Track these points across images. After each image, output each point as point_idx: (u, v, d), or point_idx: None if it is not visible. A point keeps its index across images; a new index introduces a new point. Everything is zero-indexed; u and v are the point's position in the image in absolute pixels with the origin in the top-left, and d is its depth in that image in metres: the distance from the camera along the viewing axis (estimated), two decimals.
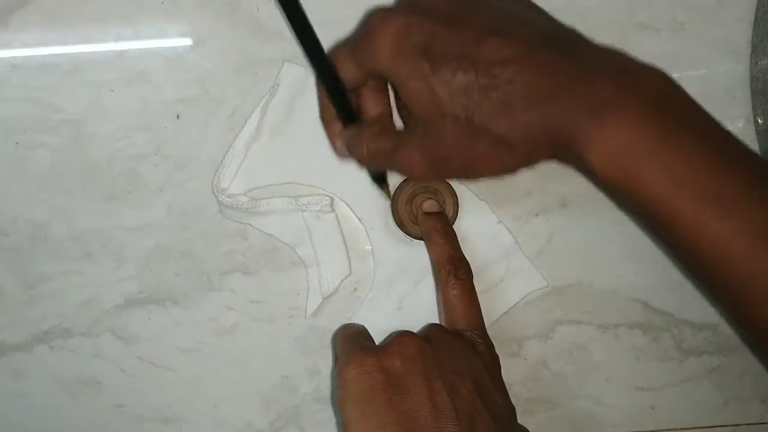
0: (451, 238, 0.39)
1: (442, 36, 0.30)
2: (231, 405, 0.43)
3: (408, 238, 0.41)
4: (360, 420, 0.32)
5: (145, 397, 0.43)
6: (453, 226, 0.40)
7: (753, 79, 0.40)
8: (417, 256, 0.41)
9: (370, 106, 0.35)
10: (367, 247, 0.41)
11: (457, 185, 0.41)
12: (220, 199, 0.40)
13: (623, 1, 0.40)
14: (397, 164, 0.33)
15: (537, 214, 0.42)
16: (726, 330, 0.43)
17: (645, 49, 0.40)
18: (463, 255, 0.39)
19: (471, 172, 0.32)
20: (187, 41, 0.39)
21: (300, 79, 0.40)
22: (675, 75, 0.39)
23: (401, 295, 0.42)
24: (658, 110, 0.28)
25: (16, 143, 0.40)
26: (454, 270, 0.38)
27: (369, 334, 0.39)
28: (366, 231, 0.41)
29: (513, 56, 0.29)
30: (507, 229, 0.41)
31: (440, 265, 0.38)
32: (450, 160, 0.31)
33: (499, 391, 0.35)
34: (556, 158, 0.31)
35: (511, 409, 0.36)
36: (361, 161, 0.35)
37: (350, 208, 0.41)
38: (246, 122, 0.40)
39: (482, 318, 0.38)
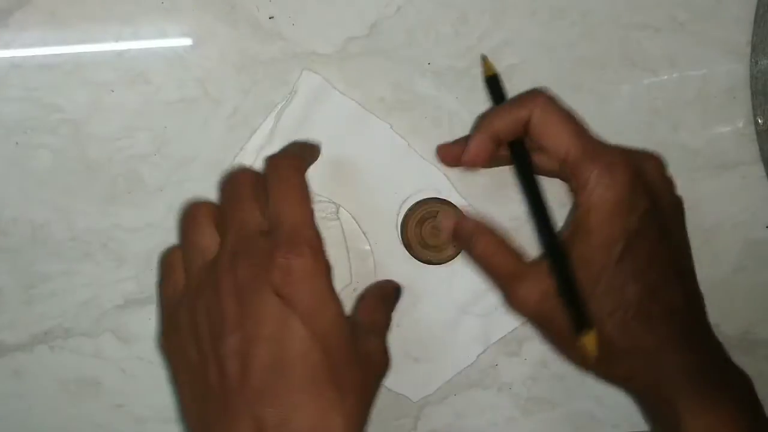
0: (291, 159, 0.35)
1: (650, 242, 0.32)
2: None
3: (412, 260, 0.41)
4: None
5: (145, 397, 0.43)
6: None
7: (753, 79, 0.40)
8: (419, 275, 0.41)
9: (539, 164, 0.36)
10: (366, 248, 0.41)
11: (459, 200, 0.41)
12: None
13: (623, 1, 0.40)
14: (506, 289, 0.34)
15: None
16: (726, 330, 0.43)
17: (645, 49, 0.40)
18: (295, 152, 0.35)
19: (557, 345, 0.35)
20: (187, 41, 0.39)
21: (317, 88, 0.40)
22: (675, 75, 0.40)
23: (400, 314, 0.41)
24: (746, 407, 0.32)
25: (16, 143, 0.40)
26: (271, 160, 0.34)
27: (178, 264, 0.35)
28: (365, 236, 0.41)
29: (681, 304, 0.33)
30: None
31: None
32: (553, 323, 0.33)
33: (302, 313, 0.29)
34: (633, 393, 0.34)
35: (326, 322, 0.30)
36: (468, 251, 0.36)
37: (355, 221, 0.41)
38: (259, 126, 0.40)
39: (303, 207, 0.32)
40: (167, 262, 0.35)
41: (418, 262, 0.41)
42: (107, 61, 0.39)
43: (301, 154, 0.35)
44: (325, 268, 0.30)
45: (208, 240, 0.33)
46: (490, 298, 0.42)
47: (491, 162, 0.36)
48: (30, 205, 0.41)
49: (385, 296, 0.38)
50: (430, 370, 0.42)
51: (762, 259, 0.43)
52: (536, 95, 0.34)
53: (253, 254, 0.30)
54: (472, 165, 0.35)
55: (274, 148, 0.40)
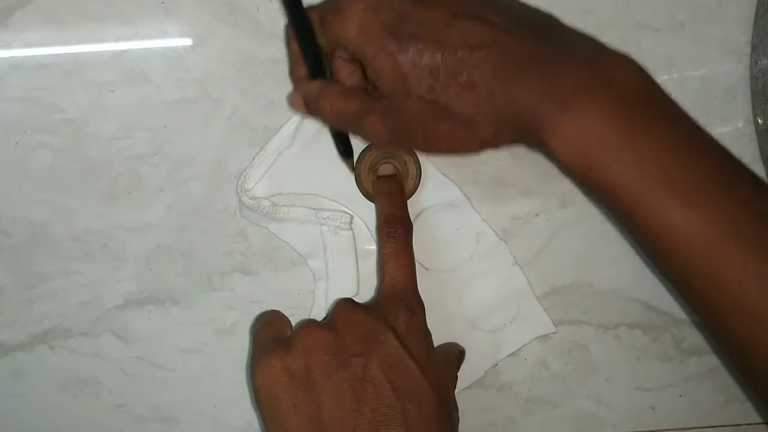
0: (396, 198, 0.39)
1: (411, 16, 0.30)
2: (231, 405, 0.43)
3: (420, 266, 0.41)
4: (272, 428, 0.33)
5: (145, 397, 0.43)
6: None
7: (753, 79, 0.40)
8: (429, 285, 0.41)
9: (344, 76, 0.35)
10: (368, 248, 0.41)
11: (476, 222, 0.41)
12: (242, 199, 0.40)
13: (623, 1, 0.40)
14: (361, 129, 0.33)
15: (537, 214, 0.42)
16: None
17: (645, 49, 0.40)
18: (405, 214, 0.38)
19: (433, 148, 0.32)
20: (187, 41, 0.39)
21: None
22: (675, 75, 0.40)
23: None
24: (626, 99, 0.28)
25: (16, 143, 0.40)
26: (389, 228, 0.37)
27: (281, 319, 0.38)
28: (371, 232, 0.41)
29: (481, 41, 0.29)
30: (522, 271, 0.41)
31: (379, 225, 0.38)
32: (412, 135, 0.32)
33: (416, 357, 0.33)
34: (522, 142, 0.31)
35: (435, 370, 0.35)
36: (324, 117, 0.35)
37: (369, 230, 0.41)
38: (281, 127, 0.40)
39: (411, 275, 0.37)
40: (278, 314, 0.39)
41: (431, 273, 0.41)
42: (107, 61, 0.39)
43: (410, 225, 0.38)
44: (429, 330, 0.36)
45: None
46: (500, 314, 0.42)
47: None
48: (30, 205, 0.41)
49: (454, 360, 0.39)
50: None
51: None
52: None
53: (375, 309, 0.35)
54: (301, 112, 0.36)
55: (295, 151, 0.40)
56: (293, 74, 0.36)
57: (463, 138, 0.31)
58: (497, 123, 0.30)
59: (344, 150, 0.39)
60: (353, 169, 0.40)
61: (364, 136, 0.34)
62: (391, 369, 0.33)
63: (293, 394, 0.32)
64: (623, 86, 0.28)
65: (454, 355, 0.39)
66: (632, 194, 0.28)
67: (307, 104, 0.35)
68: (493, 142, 0.31)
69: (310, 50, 0.34)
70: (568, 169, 0.29)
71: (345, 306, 0.35)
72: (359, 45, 0.31)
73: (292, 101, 0.36)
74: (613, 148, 0.28)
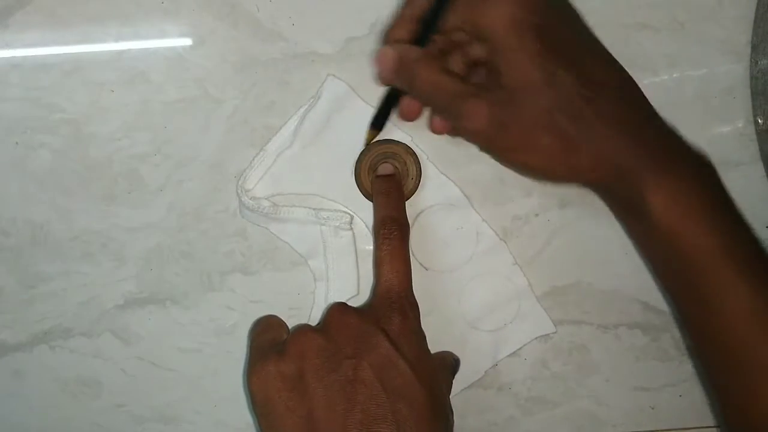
0: (393, 199, 0.39)
1: (560, 31, 0.32)
2: (231, 405, 0.43)
3: (420, 266, 0.41)
4: (266, 430, 0.33)
5: (145, 397, 0.43)
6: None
7: (753, 79, 0.40)
8: (429, 285, 0.41)
9: (451, 59, 0.36)
10: (368, 248, 0.41)
11: (476, 222, 0.41)
12: (242, 199, 0.40)
13: (623, 1, 0.40)
14: (456, 108, 0.33)
15: (537, 214, 0.42)
16: None
17: (645, 49, 0.40)
18: (402, 215, 0.38)
19: (518, 157, 0.34)
20: (187, 41, 0.39)
21: (341, 95, 0.40)
22: (675, 75, 0.40)
23: None
24: (714, 181, 0.33)
25: (16, 143, 0.40)
26: (384, 230, 0.37)
27: (279, 324, 0.38)
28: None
29: (618, 84, 0.33)
30: (521, 271, 0.41)
31: (375, 226, 0.38)
32: (510, 135, 0.33)
33: (408, 357, 0.34)
34: (600, 185, 0.34)
35: (428, 370, 0.35)
36: (415, 83, 0.34)
37: (369, 230, 0.41)
38: (281, 128, 0.40)
39: (405, 278, 0.36)
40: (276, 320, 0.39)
41: (432, 274, 0.41)
42: (107, 61, 0.39)
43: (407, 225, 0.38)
44: (423, 332, 0.36)
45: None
46: (499, 313, 0.42)
47: None
48: (30, 205, 0.41)
49: (448, 366, 0.39)
50: None
51: None
52: None
53: (368, 312, 0.36)
54: (385, 72, 0.35)
55: (294, 151, 0.40)
56: (392, 34, 0.36)
57: (557, 159, 0.33)
58: (598, 158, 0.32)
59: (377, 121, 0.39)
60: (368, 142, 0.40)
61: (456, 115, 0.34)
62: (382, 370, 0.33)
63: (287, 398, 0.33)
64: (710, 170, 0.33)
65: (449, 361, 0.39)
66: (709, 259, 0.32)
67: (401, 65, 0.35)
68: (580, 174, 0.33)
69: (432, 19, 0.34)
70: (657, 224, 0.32)
71: (338, 310, 0.36)
72: (504, 35, 0.32)
73: (380, 56, 0.35)
74: (703, 216, 0.32)
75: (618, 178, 0.32)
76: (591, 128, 0.32)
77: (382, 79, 0.36)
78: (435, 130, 0.38)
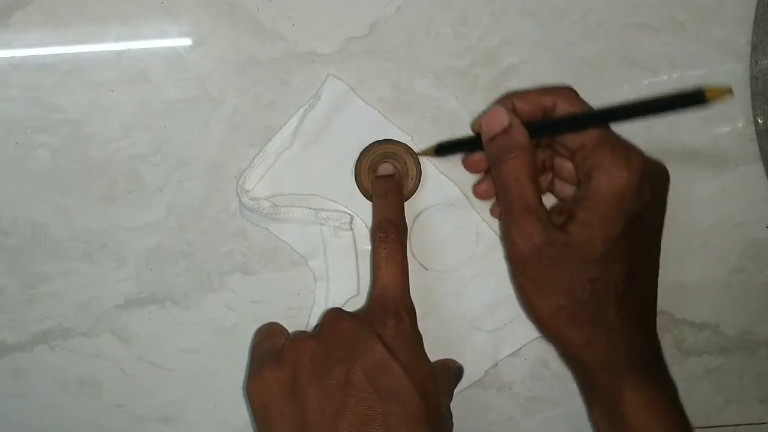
0: (392, 200, 0.39)
1: (643, 233, 0.34)
2: (231, 405, 0.43)
3: (420, 266, 0.41)
4: None
5: (145, 397, 0.43)
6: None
7: (753, 79, 0.40)
8: (429, 285, 0.41)
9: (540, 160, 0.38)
10: (368, 248, 0.41)
11: (476, 222, 0.41)
12: (242, 200, 0.40)
13: (623, 1, 0.40)
14: (515, 214, 0.34)
15: None
16: (726, 330, 0.43)
17: (645, 49, 0.40)
18: (400, 217, 0.38)
19: (534, 293, 0.35)
20: (187, 41, 0.39)
21: (341, 95, 0.40)
22: (675, 75, 0.40)
23: None
24: (676, 393, 0.36)
25: (16, 143, 0.40)
26: (381, 233, 0.37)
27: (279, 332, 0.38)
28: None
29: (650, 292, 0.36)
30: None
31: (373, 229, 0.38)
32: (541, 270, 0.34)
33: (402, 360, 0.34)
34: (583, 365, 0.35)
35: (423, 373, 0.35)
36: (497, 161, 0.35)
37: (369, 230, 0.41)
38: (281, 128, 0.40)
39: (401, 281, 0.36)
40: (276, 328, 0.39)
41: (432, 275, 0.41)
42: (107, 61, 0.39)
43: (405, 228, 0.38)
44: (420, 335, 0.36)
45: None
46: (500, 313, 0.42)
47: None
48: (30, 205, 0.41)
49: (450, 373, 0.40)
50: None
51: (762, 259, 0.43)
52: (562, 87, 0.36)
53: (363, 316, 0.36)
54: (489, 131, 0.35)
55: (294, 151, 0.40)
56: (517, 101, 0.36)
57: (561, 320, 0.34)
58: (595, 341, 0.34)
59: (444, 150, 0.39)
60: (421, 153, 0.40)
61: (511, 218, 0.35)
62: (374, 372, 0.33)
63: (281, 403, 0.33)
64: (675, 390, 0.36)
65: (452, 368, 0.40)
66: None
67: (504, 136, 0.35)
68: (563, 347, 0.35)
69: (557, 126, 0.35)
70: (631, 426, 0.34)
71: (332, 315, 0.36)
72: (601, 196, 0.33)
73: (495, 114, 0.35)
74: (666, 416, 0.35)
75: (599, 366, 0.35)
76: (607, 314, 0.34)
77: (483, 131, 0.35)
78: (477, 195, 0.40)
